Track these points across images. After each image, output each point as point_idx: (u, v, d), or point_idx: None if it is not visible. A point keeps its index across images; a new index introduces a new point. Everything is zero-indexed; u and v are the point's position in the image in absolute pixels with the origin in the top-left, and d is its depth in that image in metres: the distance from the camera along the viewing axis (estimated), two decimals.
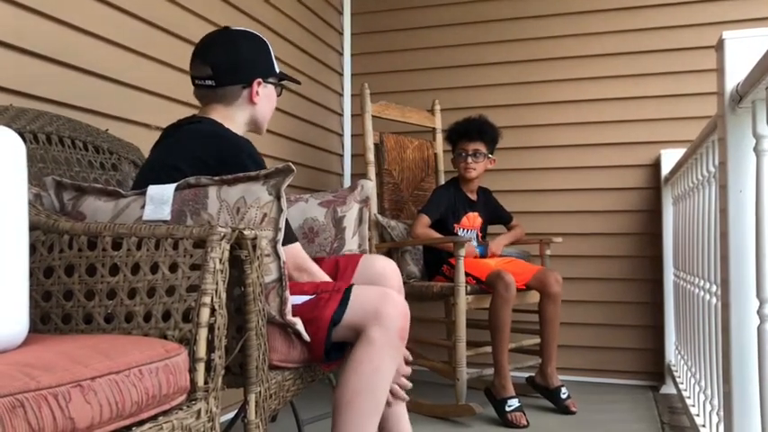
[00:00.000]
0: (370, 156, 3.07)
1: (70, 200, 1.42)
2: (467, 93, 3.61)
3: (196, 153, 1.56)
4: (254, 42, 1.79)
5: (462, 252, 2.67)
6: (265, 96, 1.79)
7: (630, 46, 3.40)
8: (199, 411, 1.11)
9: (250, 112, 1.78)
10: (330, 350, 1.54)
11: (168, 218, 1.32)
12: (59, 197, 1.42)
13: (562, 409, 2.79)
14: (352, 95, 3.84)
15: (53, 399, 0.81)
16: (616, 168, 3.42)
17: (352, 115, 3.84)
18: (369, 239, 1.94)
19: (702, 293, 2.13)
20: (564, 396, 2.82)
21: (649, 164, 3.38)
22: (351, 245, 1.84)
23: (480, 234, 3.18)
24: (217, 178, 1.36)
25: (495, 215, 3.27)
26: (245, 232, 1.24)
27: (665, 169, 3.22)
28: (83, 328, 1.22)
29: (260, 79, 1.76)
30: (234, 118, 1.75)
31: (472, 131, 3.07)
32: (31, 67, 1.78)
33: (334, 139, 3.76)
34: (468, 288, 2.73)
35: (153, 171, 1.57)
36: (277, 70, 1.82)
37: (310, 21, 3.46)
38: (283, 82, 1.87)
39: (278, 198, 1.35)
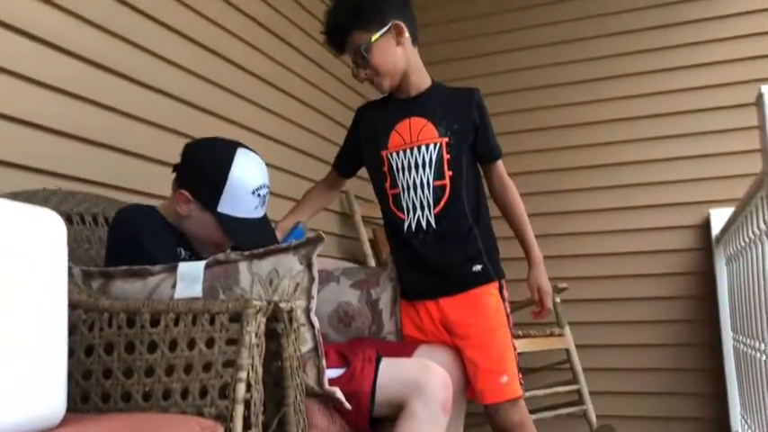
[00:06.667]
0: (367, 248, 3.18)
1: (99, 287, 1.43)
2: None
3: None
4: (209, 160, 1.57)
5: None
6: (198, 219, 1.56)
7: (667, 107, 3.37)
8: None
9: (183, 221, 1.59)
10: (372, 421, 1.51)
11: (200, 295, 1.33)
12: (88, 286, 1.44)
13: None
14: None
15: None
16: (663, 230, 3.33)
17: None
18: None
19: (765, 358, 2.02)
20: None
21: (697, 224, 3.28)
22: (389, 326, 1.80)
23: (448, 155, 1.77)
24: (246, 253, 1.37)
25: (479, 136, 1.83)
26: (282, 305, 1.24)
27: (716, 228, 3.12)
28: (122, 406, 1.21)
29: (186, 192, 1.54)
30: (173, 208, 1.59)
31: (330, 31, 1.83)
32: (80, 153, 1.85)
33: None
34: None
35: None
36: (226, 211, 1.53)
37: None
38: (229, 229, 1.55)
39: (309, 267, 1.35)
